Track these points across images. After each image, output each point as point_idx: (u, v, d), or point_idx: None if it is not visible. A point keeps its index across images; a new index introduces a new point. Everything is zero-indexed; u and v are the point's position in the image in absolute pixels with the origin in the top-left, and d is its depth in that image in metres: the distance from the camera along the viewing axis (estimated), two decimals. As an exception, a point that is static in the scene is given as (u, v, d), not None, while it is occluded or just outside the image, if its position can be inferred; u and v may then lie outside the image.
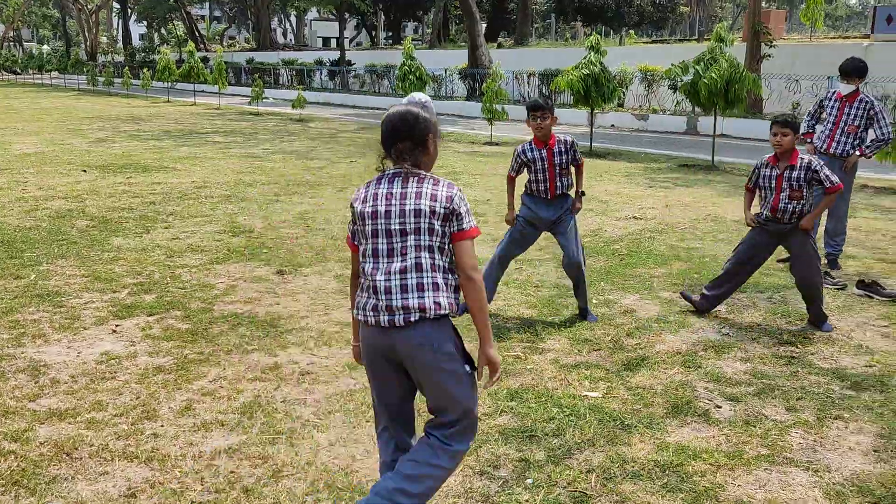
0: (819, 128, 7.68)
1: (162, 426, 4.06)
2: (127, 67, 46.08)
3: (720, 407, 4.32)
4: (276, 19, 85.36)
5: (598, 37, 15.80)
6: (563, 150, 5.61)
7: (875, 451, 3.86)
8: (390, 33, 63.39)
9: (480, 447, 3.84)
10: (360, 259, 2.89)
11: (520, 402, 4.32)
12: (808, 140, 7.50)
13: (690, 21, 69.69)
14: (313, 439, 3.93)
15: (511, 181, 5.84)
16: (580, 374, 4.74)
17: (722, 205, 10.34)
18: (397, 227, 2.78)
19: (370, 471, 3.63)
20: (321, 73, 40.96)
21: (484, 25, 55.89)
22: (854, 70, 7.12)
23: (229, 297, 6.28)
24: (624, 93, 24.81)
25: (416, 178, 2.82)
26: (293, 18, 77.24)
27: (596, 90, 15.00)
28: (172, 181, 12.08)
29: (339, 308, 5.99)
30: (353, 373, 4.75)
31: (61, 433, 3.97)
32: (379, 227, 2.81)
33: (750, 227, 5.73)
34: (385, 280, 2.77)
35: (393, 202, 2.79)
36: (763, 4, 27.41)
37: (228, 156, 15.46)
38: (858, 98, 7.16)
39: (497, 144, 18.05)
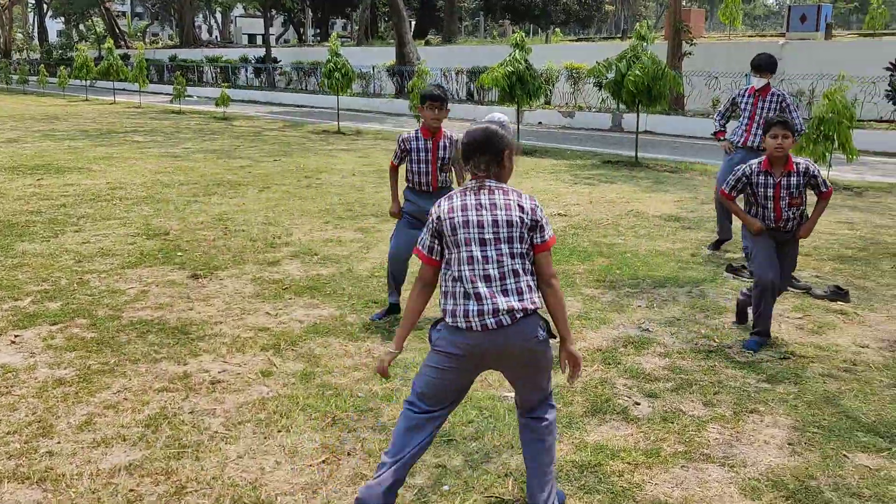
0: (733, 124, 7.91)
1: (58, 443, 3.82)
2: (43, 65, 44.37)
3: (639, 404, 4.30)
4: (201, 16, 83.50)
5: (523, 34, 15.84)
6: (447, 144, 5.47)
7: (789, 443, 3.89)
8: (318, 30, 62.65)
9: (396, 454, 3.72)
10: (449, 267, 3.01)
11: (438, 406, 4.21)
12: (721, 138, 7.74)
13: (616, 20, 70.98)
14: (221, 452, 3.75)
15: (394, 170, 5.68)
16: (500, 375, 4.65)
17: (644, 200, 10.45)
18: (491, 235, 2.95)
19: (280, 483, 3.48)
20: (247, 71, 40.19)
21: (413, 23, 55.73)
22: (766, 65, 7.34)
23: (140, 303, 6.02)
24: (550, 90, 25.03)
25: (500, 191, 3.02)
26: (219, 15, 75.69)
27: (521, 87, 15.03)
28: (86, 182, 11.60)
29: (256, 312, 5.79)
30: (266, 380, 4.57)
31: (-54, 455, 3.70)
32: (471, 235, 2.95)
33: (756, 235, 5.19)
34: (486, 286, 2.92)
35: (483, 213, 2.97)
36: (684, 3, 28.02)
37: (147, 156, 14.97)
38: (770, 91, 7.43)
39: (425, 142, 17.96)
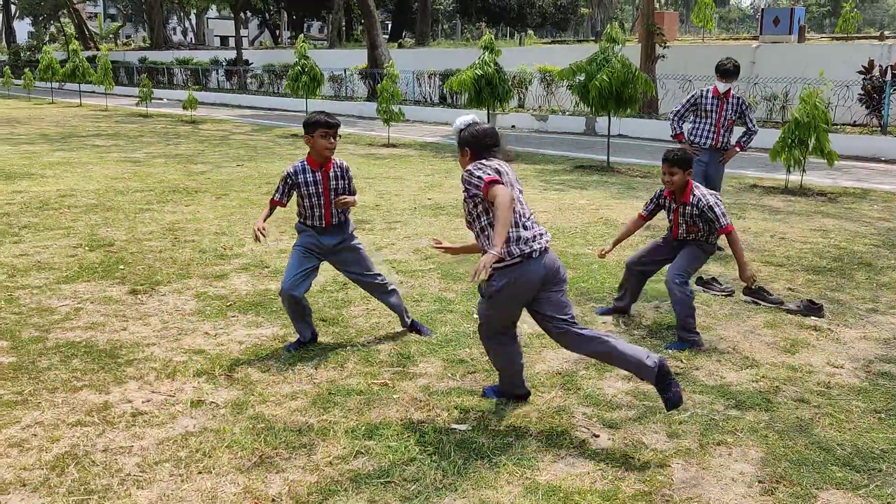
0: (688, 126, 7.85)
1: (-51, 490, 3.41)
2: (8, 67, 43.51)
3: (598, 436, 3.96)
4: (175, 18, 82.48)
5: (492, 36, 15.52)
6: (338, 174, 4.98)
7: (759, 481, 3.57)
8: (293, 33, 62.06)
9: (326, 499, 3.35)
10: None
11: (379, 441, 3.85)
12: (682, 140, 7.65)
13: (592, 22, 71.03)
14: (130, 498, 3.35)
15: (273, 206, 5.03)
16: (450, 403, 4.30)
17: (614, 207, 10.15)
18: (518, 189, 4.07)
19: (192, 536, 3.10)
20: (218, 73, 39.58)
21: (389, 25, 55.30)
22: (735, 70, 7.67)
23: (70, 322, 5.60)
24: (524, 93, 24.74)
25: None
26: (193, 17, 74.80)
27: (489, 91, 14.69)
28: (35, 189, 11.12)
29: (194, 333, 5.39)
30: (193, 411, 4.18)
31: None
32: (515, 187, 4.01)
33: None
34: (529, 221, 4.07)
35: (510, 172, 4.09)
36: (657, 6, 27.86)
37: (105, 161, 14.48)
38: (732, 95, 7.71)
39: (394, 146, 17.59)
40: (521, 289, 3.84)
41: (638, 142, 18.70)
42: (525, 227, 3.83)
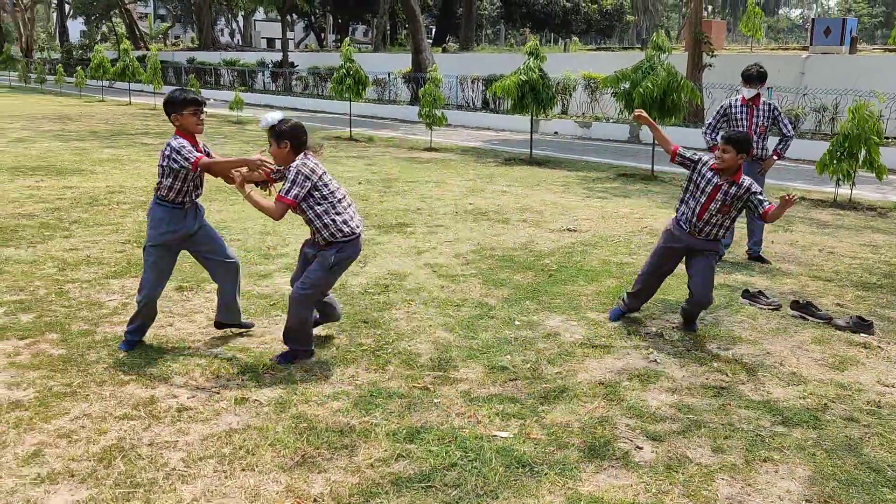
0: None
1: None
2: (60, 65, 44.51)
3: (641, 448, 3.91)
4: (223, 19, 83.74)
5: (537, 42, 15.47)
6: (207, 152, 4.98)
7: (807, 500, 3.49)
8: (338, 36, 62.59)
9: (368, 501, 3.36)
10: (329, 200, 4.76)
11: (420, 445, 3.85)
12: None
13: (637, 30, 70.51)
14: (175, 493, 3.40)
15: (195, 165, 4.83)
16: (492, 410, 4.29)
17: (659, 216, 10.04)
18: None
19: (235, 533, 3.13)
20: (264, 75, 40.05)
21: (433, 29, 55.51)
22: (759, 76, 7.59)
23: (118, 316, 5.69)
24: (567, 100, 24.63)
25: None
26: (241, 19, 75.87)
27: (533, 97, 14.64)
28: (86, 185, 11.35)
29: (238, 331, 5.45)
30: (237, 408, 4.23)
31: None
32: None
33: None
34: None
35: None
36: (705, 14, 27.57)
37: (153, 158, 14.71)
38: (762, 101, 7.64)
39: (436, 150, 17.62)
40: (350, 259, 4.76)
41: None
42: (351, 215, 4.71)
